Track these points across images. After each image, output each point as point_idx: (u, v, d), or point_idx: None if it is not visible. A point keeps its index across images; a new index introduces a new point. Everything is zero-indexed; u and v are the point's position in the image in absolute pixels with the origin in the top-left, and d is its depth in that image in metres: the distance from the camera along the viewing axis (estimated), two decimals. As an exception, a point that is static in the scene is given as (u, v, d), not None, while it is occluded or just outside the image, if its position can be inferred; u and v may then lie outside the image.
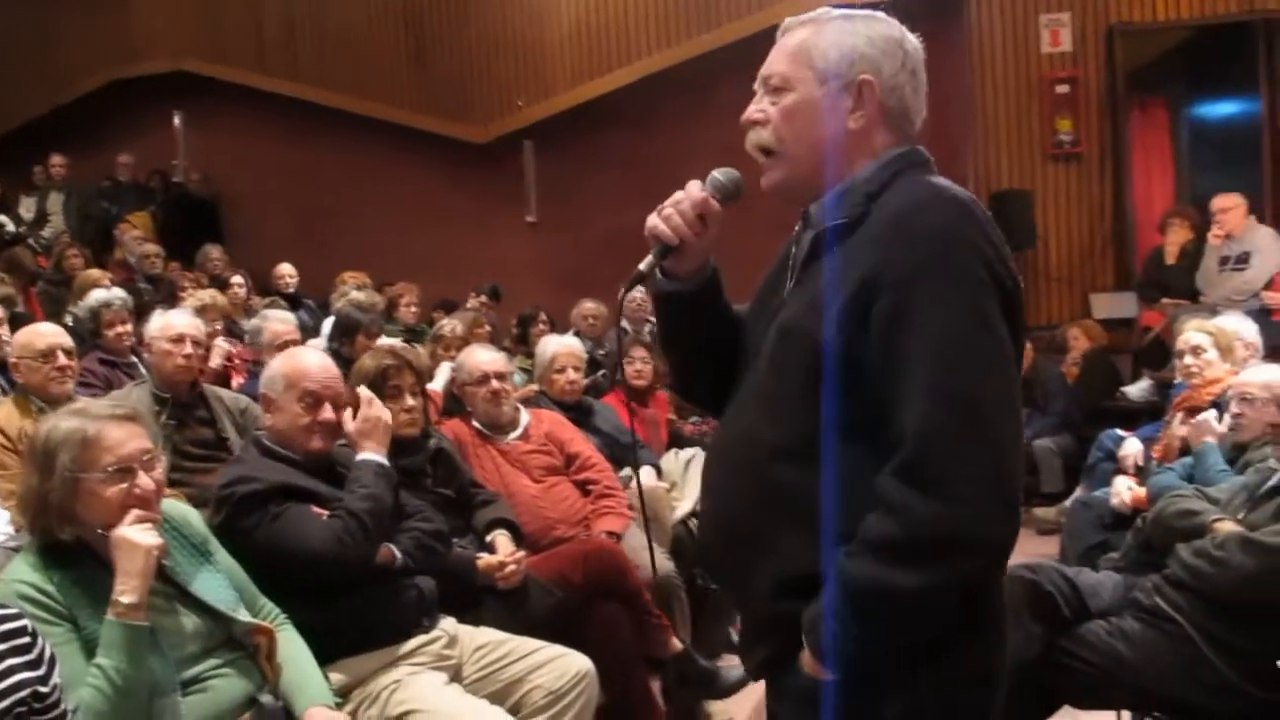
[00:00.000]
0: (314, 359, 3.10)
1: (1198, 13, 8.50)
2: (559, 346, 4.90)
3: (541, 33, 10.08)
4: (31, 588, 2.18)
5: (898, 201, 1.55)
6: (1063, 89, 8.65)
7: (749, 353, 1.73)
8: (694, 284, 1.77)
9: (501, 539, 3.41)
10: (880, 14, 1.68)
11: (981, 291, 1.48)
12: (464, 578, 3.22)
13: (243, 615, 2.44)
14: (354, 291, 7.04)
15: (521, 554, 3.36)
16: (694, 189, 1.72)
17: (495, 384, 3.98)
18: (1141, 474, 4.50)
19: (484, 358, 4.09)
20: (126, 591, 2.16)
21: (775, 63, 1.68)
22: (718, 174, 1.74)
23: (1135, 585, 3.09)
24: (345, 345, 5.40)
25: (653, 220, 1.73)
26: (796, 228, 1.75)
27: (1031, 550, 5.86)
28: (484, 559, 3.32)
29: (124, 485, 2.25)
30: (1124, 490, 4.22)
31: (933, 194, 1.55)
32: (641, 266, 1.75)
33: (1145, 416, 6.28)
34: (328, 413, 2.95)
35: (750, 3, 9.41)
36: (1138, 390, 6.97)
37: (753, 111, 1.68)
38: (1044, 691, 3.09)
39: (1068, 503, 6.01)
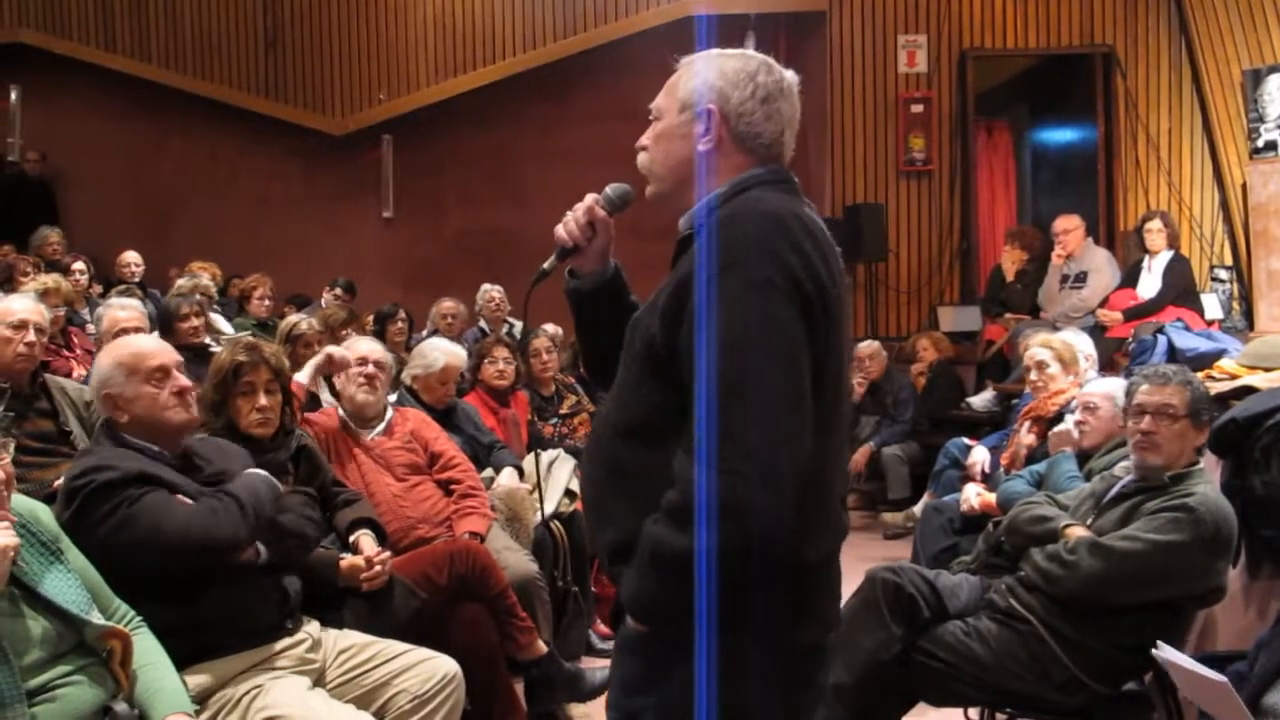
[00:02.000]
0: (142, 339, 3.04)
1: (1043, 43, 8.92)
2: (450, 356, 4.79)
3: (404, 26, 9.91)
4: None
5: (722, 214, 1.73)
6: (917, 108, 8.95)
7: None
8: (591, 283, 2.06)
9: (365, 539, 3.31)
10: (748, 52, 1.88)
11: (773, 293, 1.63)
12: (326, 579, 3.14)
13: (95, 618, 2.32)
14: (180, 280, 6.80)
15: (386, 554, 3.28)
16: (587, 200, 2.02)
17: (372, 369, 3.97)
18: (989, 480, 4.68)
19: (365, 346, 4.16)
20: None
21: (658, 97, 1.91)
22: (608, 189, 2.04)
23: (990, 587, 3.21)
24: (167, 335, 5.18)
25: (556, 226, 2.02)
26: None
27: (880, 554, 6.04)
28: (347, 560, 3.22)
29: None
30: (973, 496, 4.38)
31: (749, 207, 1.73)
32: (544, 265, 2.05)
33: (988, 426, 6.53)
34: (181, 379, 2.82)
35: (612, 9, 9.46)
36: (981, 400, 7.23)
37: (641, 139, 1.92)
38: (901, 690, 3.19)
39: (916, 508, 6.22)
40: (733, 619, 1.63)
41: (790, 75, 1.88)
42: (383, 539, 3.41)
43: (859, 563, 4.18)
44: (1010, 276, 8.05)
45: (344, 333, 5.93)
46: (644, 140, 1.91)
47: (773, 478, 1.58)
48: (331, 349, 4.15)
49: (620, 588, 1.74)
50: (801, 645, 1.75)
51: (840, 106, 8.96)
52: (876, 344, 7.72)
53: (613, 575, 1.79)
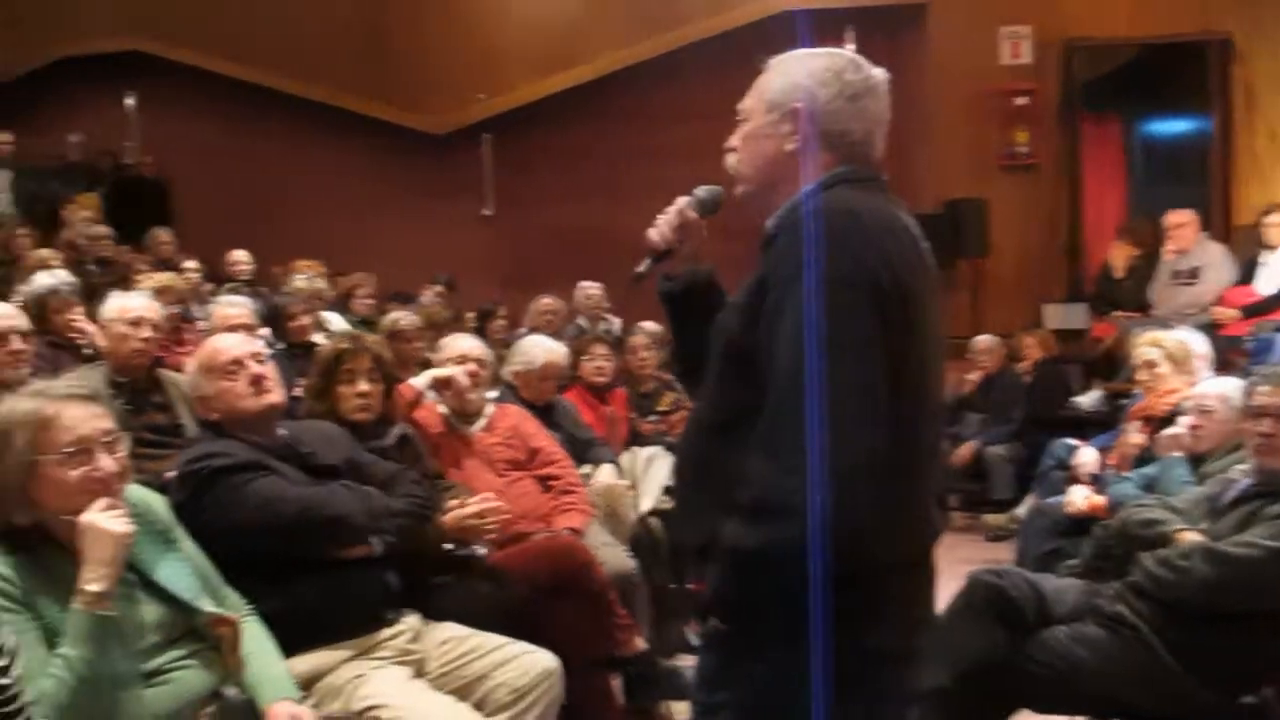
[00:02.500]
0: (218, 338, 3.10)
1: (1153, 31, 8.65)
2: (549, 353, 4.83)
3: (501, 27, 10.03)
4: None
5: (802, 212, 1.72)
6: (1020, 101, 8.76)
7: None
8: (683, 285, 2.06)
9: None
10: (836, 50, 1.89)
11: (848, 291, 1.62)
12: (431, 548, 3.17)
13: (206, 605, 2.39)
14: (294, 279, 6.95)
15: (496, 502, 3.32)
16: (679, 202, 2.03)
17: (473, 366, 4.02)
18: (1096, 482, 4.56)
19: (465, 343, 4.21)
20: (95, 580, 2.10)
21: (746, 98, 1.91)
22: (699, 190, 2.04)
23: (1096, 592, 3.13)
24: (278, 333, 5.31)
25: (649, 230, 2.03)
26: None
27: (982, 556, 5.93)
28: (452, 513, 3.24)
29: (84, 467, 2.18)
30: (1080, 498, 4.26)
31: (829, 205, 1.72)
32: (638, 269, 2.07)
33: (1095, 426, 6.36)
34: (253, 366, 2.88)
35: (709, 5, 9.43)
36: (1088, 400, 7.06)
37: (730, 140, 1.92)
38: (1004, 695, 3.13)
39: (1019, 510, 6.09)
40: (807, 619, 1.61)
41: (879, 73, 1.86)
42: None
43: (960, 564, 4.11)
44: (1120, 273, 7.83)
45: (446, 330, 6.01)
46: (732, 141, 1.92)
47: (847, 477, 1.58)
48: (450, 372, 4.06)
49: (707, 585, 1.75)
50: (881, 649, 1.71)
51: (940, 100, 8.81)
52: (995, 338, 7.56)
53: (698, 573, 1.81)
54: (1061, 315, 8.58)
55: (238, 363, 2.88)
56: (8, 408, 2.22)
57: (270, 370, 2.95)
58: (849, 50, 1.91)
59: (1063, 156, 8.77)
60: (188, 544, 2.49)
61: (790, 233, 1.71)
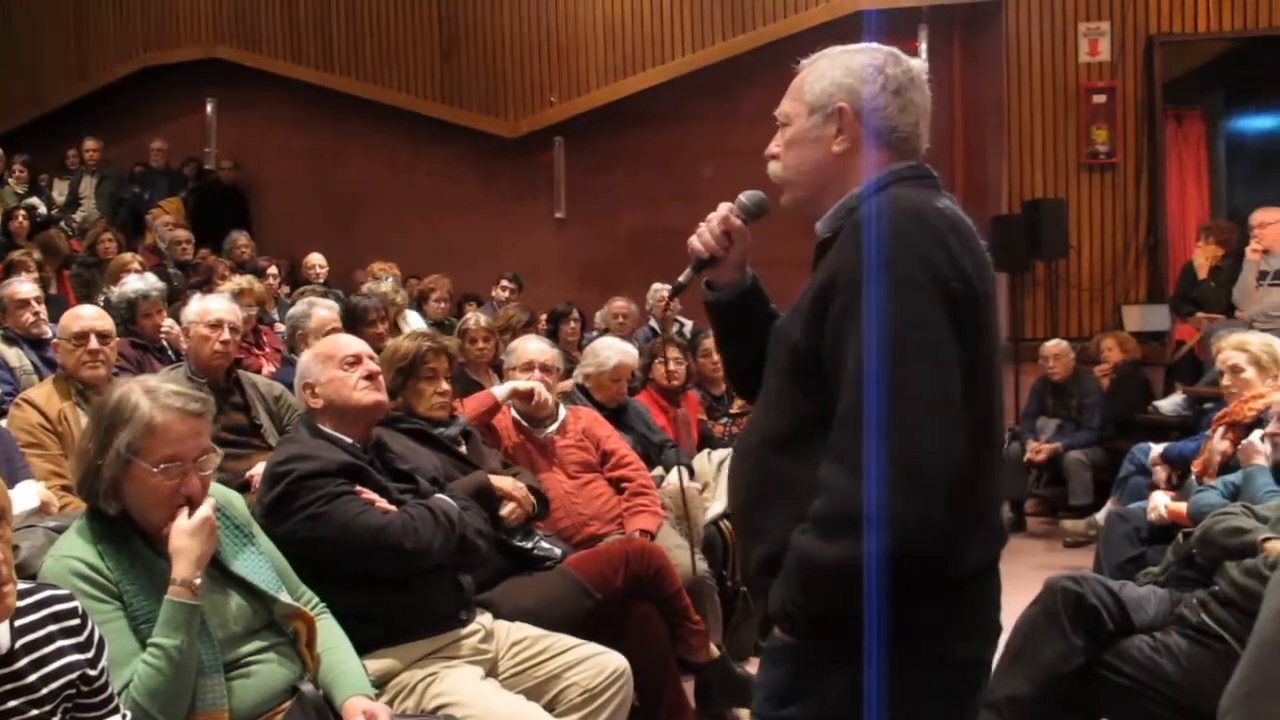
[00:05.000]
0: (341, 337, 3.23)
1: (1238, 25, 8.42)
2: (622, 355, 4.85)
3: (574, 30, 10.07)
4: (83, 564, 2.17)
5: (862, 214, 1.68)
6: (1100, 99, 8.59)
7: None
8: (730, 293, 2.00)
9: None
10: (872, 45, 1.82)
11: (918, 293, 1.58)
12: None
13: (284, 598, 2.43)
14: (372, 283, 7.03)
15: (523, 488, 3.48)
16: (722, 209, 1.97)
17: (539, 374, 4.07)
18: (1179, 489, 4.46)
19: (534, 347, 4.25)
20: (184, 570, 2.16)
21: (783, 102, 1.87)
22: (742, 196, 1.98)
23: (1180, 601, 3.06)
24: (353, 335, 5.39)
25: (691, 238, 1.98)
26: None
27: (1060, 563, 5.85)
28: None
29: (173, 482, 2.23)
30: (1162, 504, 4.17)
31: (889, 205, 1.66)
32: (680, 278, 2.04)
33: (1177, 431, 6.23)
34: (370, 365, 2.99)
35: (780, 7, 9.38)
36: (1170, 404, 6.90)
37: (770, 146, 1.88)
38: (1082, 705, 3.07)
39: (1098, 516, 5.98)
40: (885, 633, 1.59)
41: (918, 64, 1.82)
42: (544, 507, 3.57)
43: (1037, 571, 4.04)
44: (1203, 273, 7.62)
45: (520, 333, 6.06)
46: (773, 148, 1.87)
47: (923, 487, 1.54)
48: (531, 385, 4.09)
49: (768, 599, 1.71)
50: (959, 659, 1.69)
51: (1017, 99, 8.66)
52: (1065, 344, 7.43)
53: (759, 587, 1.76)
54: (1142, 317, 8.39)
55: (357, 358, 2.99)
56: (120, 397, 2.26)
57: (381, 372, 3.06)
58: (887, 46, 1.83)
59: (1144, 155, 8.57)
60: (265, 541, 2.55)
61: (854, 235, 1.65)
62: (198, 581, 2.17)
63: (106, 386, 3.80)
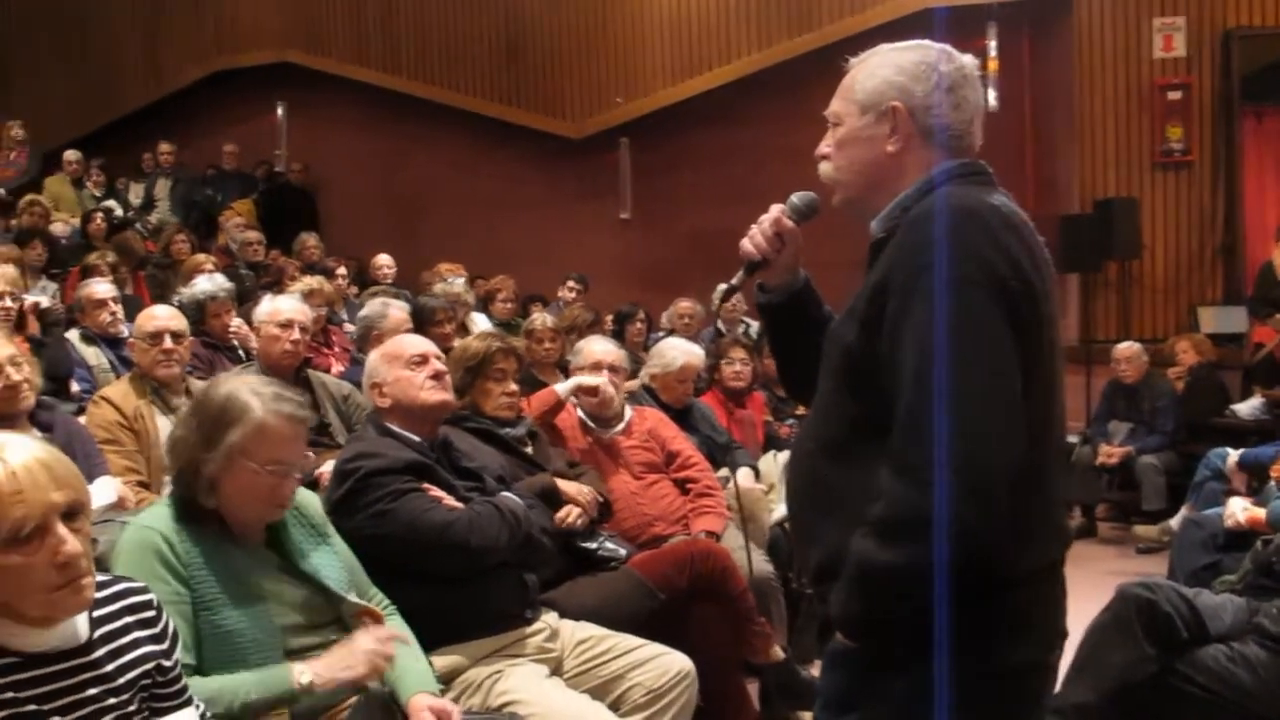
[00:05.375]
0: (407, 337, 3.27)
1: (1321, 18, 8.22)
2: (688, 355, 4.86)
3: (638, 31, 10.08)
4: (162, 539, 2.22)
5: (916, 213, 1.66)
6: (1174, 95, 8.42)
7: None
8: (782, 295, 1.99)
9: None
10: (923, 42, 1.80)
11: (976, 292, 1.55)
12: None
13: (352, 597, 2.46)
14: (442, 284, 7.09)
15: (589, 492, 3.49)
16: (773, 210, 1.96)
17: (607, 374, 4.08)
18: (1257, 495, 4.36)
19: (600, 348, 4.25)
20: (323, 670, 2.21)
21: (833, 102, 1.84)
22: (794, 197, 1.96)
23: (1258, 610, 2.99)
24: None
25: (742, 240, 1.96)
26: None
27: (1132, 569, 5.74)
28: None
29: (273, 484, 2.28)
30: (1239, 511, 4.07)
31: (943, 204, 1.63)
32: (733, 281, 2.02)
33: (1255, 435, 6.08)
34: (437, 364, 3.02)
35: (845, 5, 9.32)
36: (1248, 408, 6.76)
37: (821, 147, 1.86)
38: (1153, 714, 3.01)
39: (1172, 522, 5.86)
40: (944, 637, 1.57)
41: (970, 60, 1.79)
42: (606, 512, 3.58)
43: (1109, 577, 3.97)
44: (1283, 274, 7.47)
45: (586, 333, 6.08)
46: (823, 148, 1.85)
47: (984, 489, 1.51)
48: (596, 381, 4.10)
49: (829, 604, 1.69)
50: (1017, 663, 1.66)
51: (1089, 96, 8.52)
52: (1137, 346, 7.30)
53: (818, 594, 1.75)
54: (1218, 319, 8.21)
55: (423, 358, 3.02)
56: (229, 395, 2.31)
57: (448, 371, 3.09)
58: (938, 43, 1.80)
59: (1220, 152, 8.39)
60: (339, 541, 2.58)
61: (909, 234, 1.64)
62: (310, 682, 2.19)
63: (180, 384, 3.90)
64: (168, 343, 3.90)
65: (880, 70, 1.77)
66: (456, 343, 5.43)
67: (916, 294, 1.57)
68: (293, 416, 2.32)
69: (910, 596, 1.55)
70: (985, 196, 1.67)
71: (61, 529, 1.64)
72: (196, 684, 2.09)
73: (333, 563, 2.47)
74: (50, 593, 1.65)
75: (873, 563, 1.58)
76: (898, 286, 1.60)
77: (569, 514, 3.41)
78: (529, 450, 3.58)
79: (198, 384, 3.95)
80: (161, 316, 4.04)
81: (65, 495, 1.65)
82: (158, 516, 2.29)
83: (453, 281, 7.16)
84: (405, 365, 2.99)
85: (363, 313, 5.30)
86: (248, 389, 2.32)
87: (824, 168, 1.85)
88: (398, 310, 5.15)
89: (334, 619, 2.43)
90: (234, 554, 2.29)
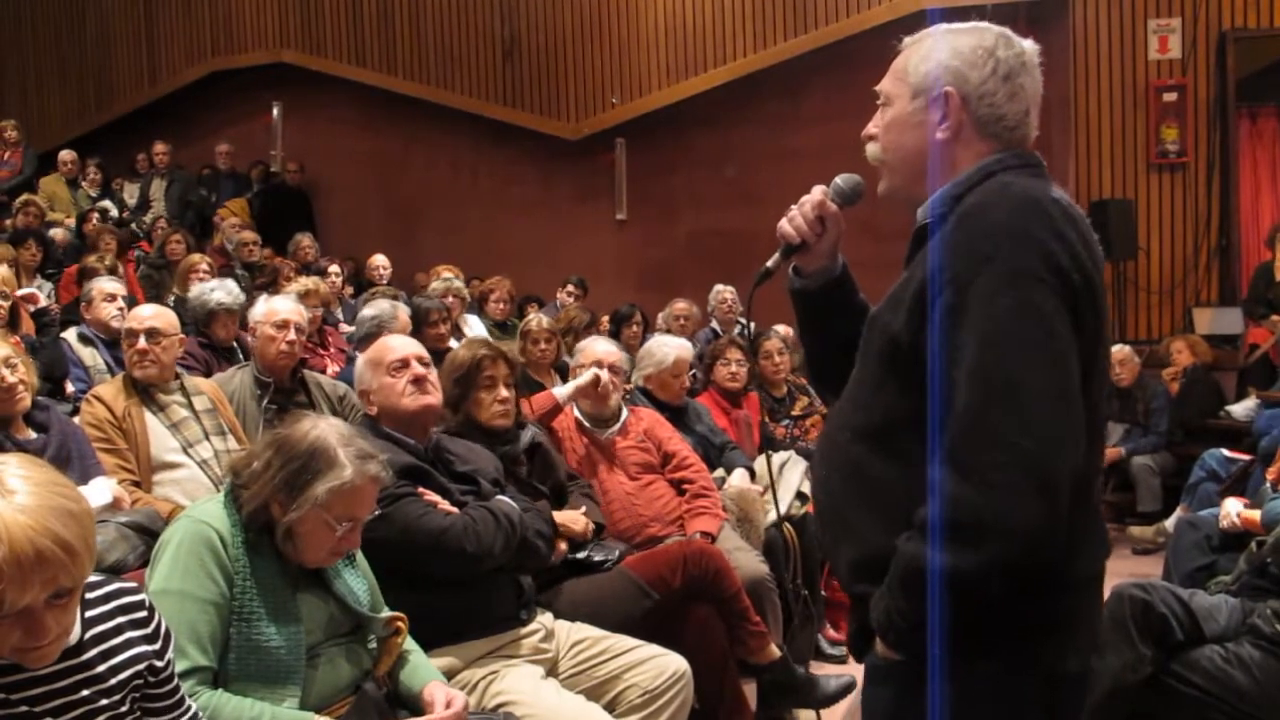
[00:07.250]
0: (389, 339, 3.21)
1: (1316, 20, 8.23)
2: (679, 349, 4.86)
3: (635, 31, 10.08)
4: (216, 534, 2.23)
5: (970, 201, 1.59)
6: (1170, 97, 8.43)
7: None
8: (818, 281, 1.90)
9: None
10: (982, 24, 1.73)
11: (1036, 285, 1.49)
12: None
13: (382, 613, 2.49)
14: (438, 281, 7.08)
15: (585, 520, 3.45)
16: (816, 192, 1.86)
17: (607, 373, 4.05)
18: (1252, 495, 4.36)
19: (602, 348, 4.23)
20: None
21: (884, 80, 1.77)
22: (839, 179, 1.86)
23: (1253, 611, 2.99)
24: (417, 337, 5.42)
25: (781, 221, 1.87)
26: None
27: (1127, 570, 5.73)
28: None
29: (340, 535, 2.28)
30: (1234, 511, 4.08)
31: (1001, 193, 1.58)
32: (768, 264, 1.90)
33: (1250, 436, 6.08)
34: (417, 368, 2.98)
35: (841, 6, 9.32)
36: (1243, 409, 6.76)
37: (869, 127, 1.78)
38: (1148, 715, 3.01)
39: (1167, 523, 5.87)
40: (996, 645, 1.53)
41: (1030, 45, 1.72)
42: (599, 533, 3.52)
43: (1104, 578, 3.97)
44: (1278, 275, 7.47)
45: (583, 335, 6.07)
46: (871, 129, 1.76)
47: (1046, 490, 1.44)
48: (595, 374, 4.08)
49: (872, 611, 1.61)
50: (1067, 672, 1.60)
51: (1085, 97, 8.55)
52: (1128, 349, 7.31)
53: (855, 594, 1.67)
54: (1213, 320, 8.23)
55: (404, 362, 2.99)
56: (319, 443, 2.27)
57: (432, 374, 3.05)
58: (998, 26, 1.73)
59: (1215, 154, 8.40)
60: (362, 558, 2.56)
61: (966, 223, 1.56)
62: None
63: (171, 382, 3.82)
64: (141, 343, 3.77)
65: (935, 53, 1.69)
66: (452, 343, 5.45)
67: (975, 286, 1.50)
68: (374, 475, 2.31)
69: (963, 602, 1.49)
70: (1045, 188, 1.61)
71: (43, 614, 1.57)
72: (216, 701, 2.12)
73: (361, 585, 2.47)
74: (11, 651, 1.61)
75: (924, 567, 1.49)
76: (954, 277, 1.52)
77: (560, 548, 3.35)
78: (524, 470, 3.49)
79: (193, 381, 3.94)
80: (139, 315, 3.91)
81: (52, 588, 1.56)
82: (214, 514, 2.28)
83: (451, 281, 7.14)
84: (387, 372, 2.98)
85: (371, 312, 5.26)
86: (336, 438, 2.30)
87: (871, 149, 1.77)
88: (403, 311, 5.17)
89: (351, 629, 2.43)
90: (278, 570, 2.29)
